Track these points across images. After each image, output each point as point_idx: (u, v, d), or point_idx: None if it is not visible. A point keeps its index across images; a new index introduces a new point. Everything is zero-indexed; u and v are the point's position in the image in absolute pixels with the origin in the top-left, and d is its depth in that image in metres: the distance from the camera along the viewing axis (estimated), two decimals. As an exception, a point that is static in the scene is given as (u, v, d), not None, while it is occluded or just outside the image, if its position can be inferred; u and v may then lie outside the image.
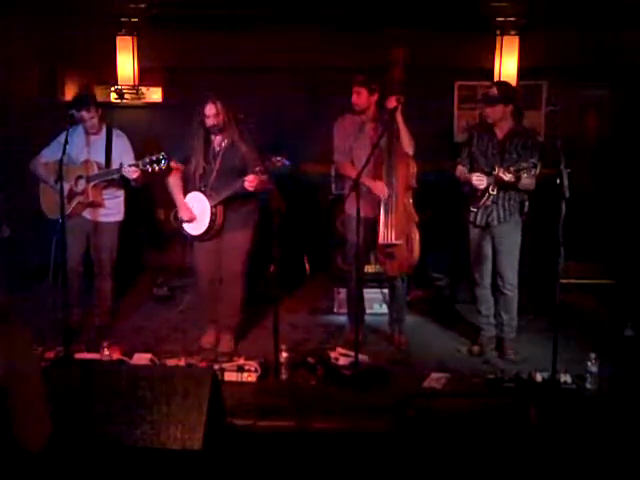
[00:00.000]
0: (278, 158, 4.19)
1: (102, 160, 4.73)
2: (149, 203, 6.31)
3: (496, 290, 4.62)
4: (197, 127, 4.41)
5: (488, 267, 4.58)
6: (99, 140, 4.77)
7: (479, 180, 4.38)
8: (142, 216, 6.28)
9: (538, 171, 4.22)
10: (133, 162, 4.57)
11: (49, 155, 4.77)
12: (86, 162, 4.70)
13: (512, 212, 4.48)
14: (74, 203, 4.70)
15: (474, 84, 6.44)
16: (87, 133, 4.77)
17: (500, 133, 4.46)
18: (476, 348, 4.66)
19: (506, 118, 4.45)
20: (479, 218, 4.51)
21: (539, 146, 4.50)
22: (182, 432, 3.35)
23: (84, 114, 4.68)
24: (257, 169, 4.21)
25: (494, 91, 4.46)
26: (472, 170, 4.50)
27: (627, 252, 5.83)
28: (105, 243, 4.84)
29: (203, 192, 4.45)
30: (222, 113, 4.33)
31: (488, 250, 4.56)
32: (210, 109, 4.31)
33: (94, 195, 4.68)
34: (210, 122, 4.33)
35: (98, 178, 4.66)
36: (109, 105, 6.39)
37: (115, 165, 4.68)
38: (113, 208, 4.84)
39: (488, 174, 4.38)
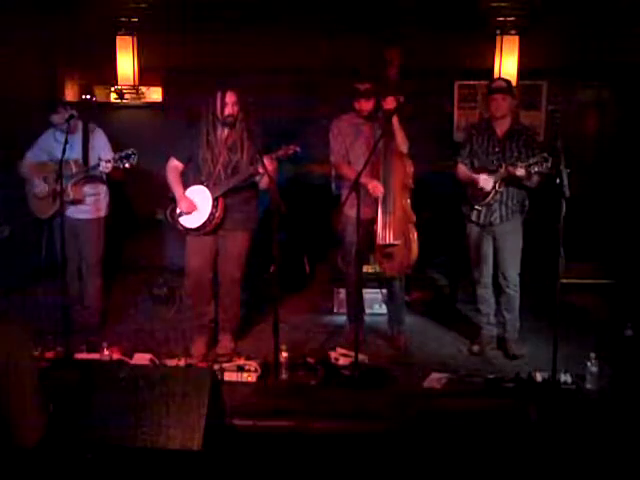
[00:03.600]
0: (291, 146, 4.22)
1: (80, 158, 4.78)
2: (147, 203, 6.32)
3: (499, 289, 4.61)
4: (209, 119, 4.37)
5: (488, 266, 4.58)
6: (76, 138, 4.79)
7: (486, 181, 4.38)
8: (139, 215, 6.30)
9: (550, 165, 4.15)
10: (109, 157, 4.61)
11: (32, 157, 4.90)
12: (65, 162, 4.60)
13: (514, 211, 4.48)
14: (58, 202, 4.69)
15: (474, 84, 6.44)
16: (64, 132, 4.66)
17: (500, 131, 4.46)
18: (476, 347, 4.66)
19: (507, 114, 4.46)
20: (482, 217, 4.50)
21: (538, 143, 4.50)
22: (182, 432, 3.35)
23: (54, 117, 4.74)
24: (272, 155, 4.22)
25: (502, 83, 4.47)
26: (473, 168, 4.50)
27: (627, 252, 5.82)
28: (88, 240, 4.91)
29: (205, 186, 4.44)
30: (238, 105, 4.34)
31: (489, 249, 4.56)
32: (231, 97, 4.31)
33: (75, 193, 4.75)
34: (228, 111, 4.31)
35: (77, 176, 4.72)
36: (109, 105, 6.42)
37: (93, 161, 4.71)
38: (92, 205, 4.89)
39: (493, 172, 4.38)
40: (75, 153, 4.74)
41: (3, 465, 2.60)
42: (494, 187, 4.38)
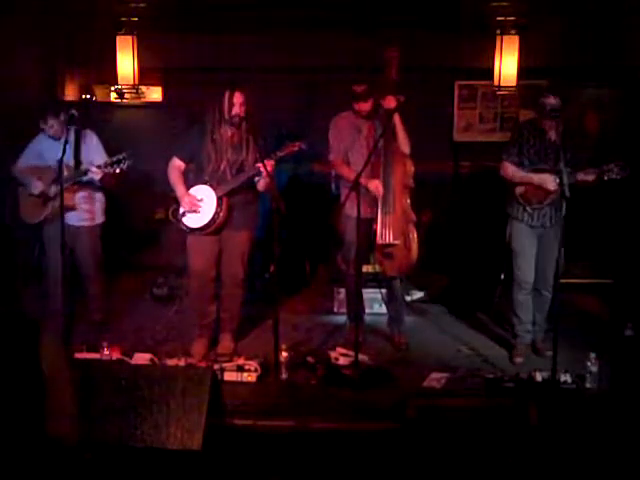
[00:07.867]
0: (296, 143, 4.23)
1: (72, 162, 4.66)
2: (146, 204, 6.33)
3: (534, 291, 4.55)
4: (215, 118, 4.36)
5: (534, 270, 4.49)
6: (68, 142, 4.56)
7: (554, 183, 4.25)
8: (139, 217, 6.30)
9: (627, 173, 4.08)
10: (100, 163, 4.53)
11: (24, 161, 4.82)
12: (56, 166, 4.45)
13: (560, 212, 4.34)
14: (49, 208, 4.69)
15: (474, 84, 6.44)
16: (54, 138, 4.70)
17: (555, 133, 4.29)
18: (519, 359, 4.51)
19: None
20: (534, 218, 4.42)
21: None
22: (182, 432, 3.36)
23: (42, 125, 4.69)
24: (272, 155, 4.22)
25: (559, 102, 4.28)
26: (525, 169, 4.39)
27: (627, 252, 5.82)
28: (85, 247, 4.83)
29: (209, 185, 4.42)
30: (244, 105, 4.32)
31: (535, 251, 4.48)
32: (239, 97, 4.30)
33: (66, 199, 4.48)
34: (235, 110, 4.29)
35: (67, 181, 4.55)
36: (109, 105, 6.42)
37: (86, 165, 4.64)
38: (89, 212, 4.81)
39: (556, 174, 4.20)
40: (66, 157, 4.49)
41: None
42: (563, 186, 4.16)
